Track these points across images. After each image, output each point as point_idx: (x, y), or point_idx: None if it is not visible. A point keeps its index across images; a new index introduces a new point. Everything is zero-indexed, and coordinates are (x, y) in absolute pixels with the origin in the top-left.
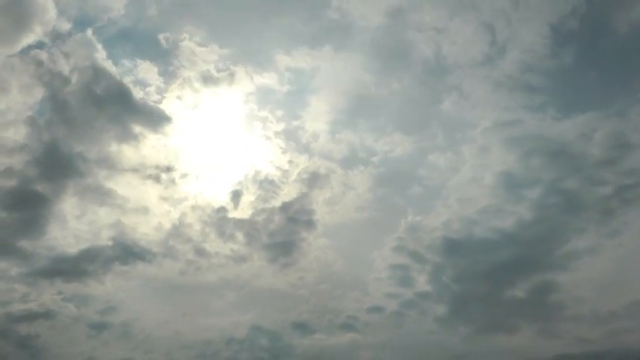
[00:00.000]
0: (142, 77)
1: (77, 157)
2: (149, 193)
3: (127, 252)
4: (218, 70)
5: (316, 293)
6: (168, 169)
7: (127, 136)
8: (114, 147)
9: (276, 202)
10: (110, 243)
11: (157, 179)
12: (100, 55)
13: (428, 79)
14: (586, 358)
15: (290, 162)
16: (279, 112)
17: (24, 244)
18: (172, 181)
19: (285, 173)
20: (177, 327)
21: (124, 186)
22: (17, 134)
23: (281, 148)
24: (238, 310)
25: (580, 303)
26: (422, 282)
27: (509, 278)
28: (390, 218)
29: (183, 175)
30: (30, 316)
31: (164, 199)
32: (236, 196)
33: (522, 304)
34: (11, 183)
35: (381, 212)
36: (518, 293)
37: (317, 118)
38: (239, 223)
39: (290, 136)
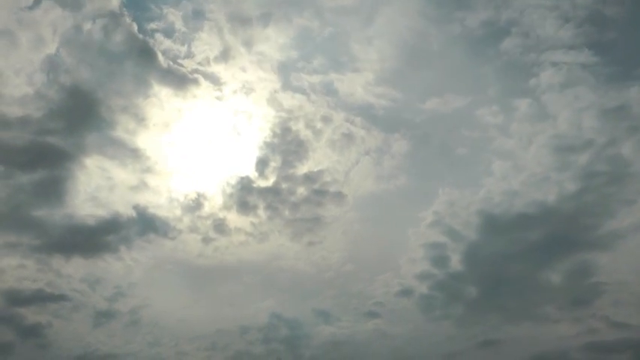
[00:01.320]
0: (166, 25)
1: (99, 106)
2: (173, 157)
3: (149, 225)
4: (251, 11)
5: (342, 275)
6: (193, 132)
7: (148, 96)
8: (135, 104)
9: (304, 168)
10: (133, 213)
11: (181, 142)
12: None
13: (492, 16)
14: (620, 345)
15: (324, 119)
16: (317, 61)
17: (39, 213)
18: (197, 145)
19: (318, 133)
20: (189, 315)
21: (148, 144)
22: (31, 84)
23: (315, 102)
24: (256, 296)
25: (621, 287)
26: (455, 263)
27: (545, 259)
28: (429, 188)
29: (209, 139)
30: (41, 299)
31: (189, 164)
32: (262, 162)
33: (557, 288)
34: (26, 136)
35: (418, 181)
36: (553, 276)
37: (359, 69)
38: (262, 193)
39: (327, 89)
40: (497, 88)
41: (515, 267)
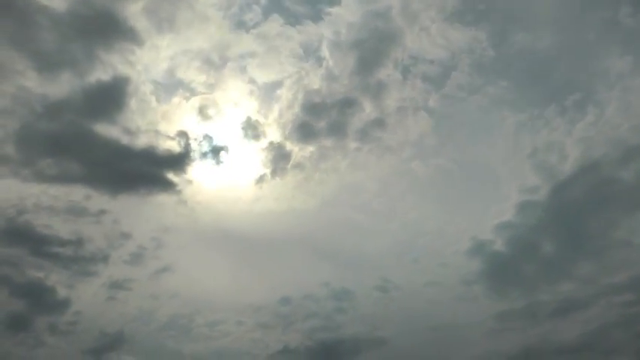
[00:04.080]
0: None
1: None
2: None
3: (211, 156)
4: None
5: (406, 227)
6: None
7: None
8: None
9: (385, 72)
10: (199, 137)
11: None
12: None
13: None
14: None
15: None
16: None
17: (91, 127)
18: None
19: (412, 19)
20: (218, 286)
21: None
22: None
23: None
24: (302, 260)
25: None
26: (538, 211)
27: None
28: (533, 106)
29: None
30: (69, 258)
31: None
32: (334, 67)
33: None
34: None
35: (523, 98)
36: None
37: None
38: (328, 108)
39: None
40: None
41: (599, 218)
